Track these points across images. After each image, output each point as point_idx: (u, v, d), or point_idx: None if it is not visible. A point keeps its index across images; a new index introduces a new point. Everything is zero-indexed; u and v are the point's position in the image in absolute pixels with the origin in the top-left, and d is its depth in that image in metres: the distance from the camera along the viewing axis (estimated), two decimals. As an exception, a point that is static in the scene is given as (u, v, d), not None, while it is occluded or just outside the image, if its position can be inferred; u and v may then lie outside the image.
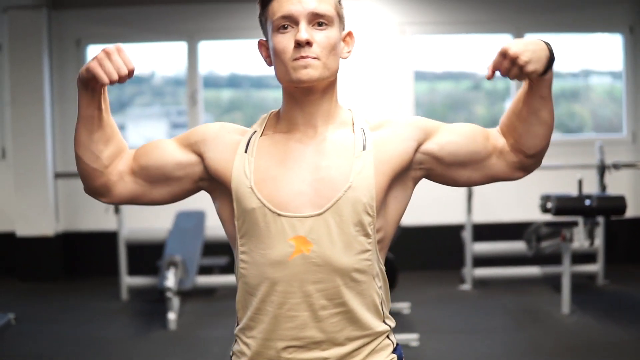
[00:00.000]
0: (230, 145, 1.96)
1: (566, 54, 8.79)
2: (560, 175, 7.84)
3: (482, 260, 7.71)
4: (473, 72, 9.17)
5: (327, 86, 1.95)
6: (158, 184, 1.99)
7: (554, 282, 7.32)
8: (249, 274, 1.91)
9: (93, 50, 8.63)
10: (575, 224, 6.41)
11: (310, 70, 1.88)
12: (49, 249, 8.37)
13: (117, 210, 7.30)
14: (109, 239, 7.90)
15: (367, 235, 1.89)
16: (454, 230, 8.09)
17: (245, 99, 9.46)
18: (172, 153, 1.99)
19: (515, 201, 8.24)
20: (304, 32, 1.87)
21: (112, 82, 1.84)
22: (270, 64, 1.97)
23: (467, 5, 8.42)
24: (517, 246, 7.44)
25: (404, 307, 6.61)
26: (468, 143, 1.97)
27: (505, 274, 7.52)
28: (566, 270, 6.41)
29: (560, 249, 6.53)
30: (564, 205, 6.13)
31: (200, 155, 1.97)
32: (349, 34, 2.02)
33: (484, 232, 7.97)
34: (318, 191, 1.88)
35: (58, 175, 8.03)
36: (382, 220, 1.94)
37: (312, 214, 1.87)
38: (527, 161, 1.98)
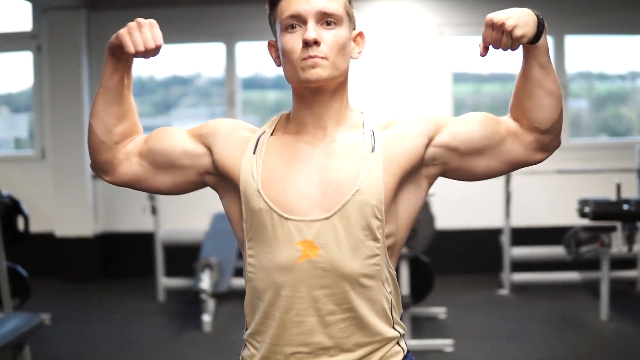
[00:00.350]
0: (240, 142, 1.94)
1: (613, 56, 8.65)
2: (603, 179, 7.72)
3: (520, 265, 7.61)
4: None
5: (336, 87, 1.92)
6: (162, 170, 1.97)
7: (593, 288, 7.20)
8: (257, 277, 1.89)
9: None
10: (613, 228, 6.30)
11: (319, 70, 1.85)
12: (88, 249, 8.43)
13: (154, 212, 7.31)
14: (146, 240, 7.92)
15: (375, 239, 1.86)
16: (492, 234, 7.99)
17: (290, 100, 9.40)
18: (181, 140, 1.97)
19: (555, 204, 8.12)
20: (312, 31, 1.84)
21: (137, 53, 1.86)
22: (279, 65, 1.95)
23: (506, 7, 8.30)
24: (557, 251, 7.32)
25: (440, 312, 6.54)
26: (481, 128, 1.93)
27: (544, 279, 7.41)
28: (604, 276, 6.30)
29: (599, 254, 6.43)
30: (601, 210, 6.03)
31: (209, 148, 1.95)
32: (360, 34, 1.98)
33: (523, 236, 7.87)
34: (326, 194, 1.85)
35: (97, 176, 8.05)
36: (393, 226, 1.90)
37: (319, 217, 1.83)
38: (544, 138, 1.92)
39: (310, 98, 1.91)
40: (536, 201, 8.20)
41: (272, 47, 1.98)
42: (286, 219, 1.84)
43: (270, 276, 1.86)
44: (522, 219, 8.00)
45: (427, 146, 1.92)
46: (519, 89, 1.92)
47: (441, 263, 7.66)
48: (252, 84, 8.99)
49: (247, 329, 1.98)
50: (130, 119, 1.98)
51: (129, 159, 1.97)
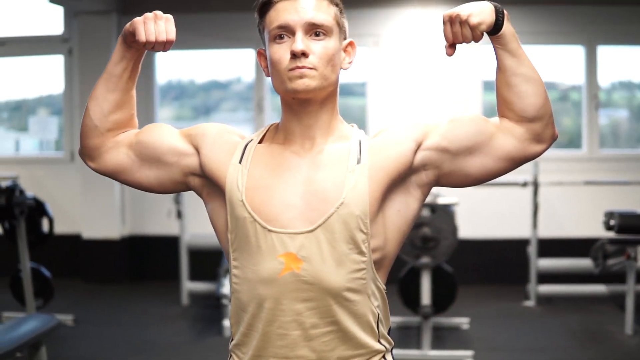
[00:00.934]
0: (228, 145, 1.92)
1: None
2: (632, 191, 7.63)
3: (547, 277, 7.52)
4: (560, 82, 8.97)
5: (325, 98, 1.90)
6: (148, 164, 1.96)
7: (619, 301, 7.09)
8: (241, 289, 1.87)
9: (161, 56, 8.73)
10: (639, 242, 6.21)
11: (307, 80, 1.83)
12: (114, 251, 8.47)
13: (179, 215, 7.33)
14: (171, 243, 7.94)
15: (361, 253, 1.82)
16: (518, 245, 7.91)
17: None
18: (170, 137, 1.96)
19: (583, 216, 8.03)
20: (300, 42, 1.83)
21: (148, 43, 1.87)
22: (268, 75, 1.93)
23: (538, 15, 8.23)
24: (584, 263, 7.22)
25: (463, 322, 6.48)
26: (469, 125, 1.89)
27: (570, 292, 7.31)
28: (630, 289, 6.21)
29: (625, 267, 6.33)
30: (627, 223, 5.93)
31: (197, 149, 1.93)
32: (350, 43, 1.96)
33: (551, 247, 7.79)
34: (310, 204, 1.82)
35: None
36: (380, 240, 1.86)
37: (303, 230, 1.81)
38: (534, 127, 1.86)
39: (299, 109, 1.89)
40: (564, 212, 8.11)
41: (262, 56, 1.97)
42: (270, 230, 1.82)
43: (254, 288, 1.84)
44: (550, 229, 7.92)
45: (416, 151, 1.88)
46: (499, 85, 1.89)
47: (466, 273, 7.61)
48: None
49: (232, 339, 1.96)
50: (127, 111, 1.98)
51: (117, 148, 1.97)
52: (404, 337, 6.23)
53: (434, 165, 1.89)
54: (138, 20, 1.86)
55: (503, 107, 1.89)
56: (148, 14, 1.87)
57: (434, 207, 5.94)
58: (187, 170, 1.95)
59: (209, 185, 1.94)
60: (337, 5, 1.92)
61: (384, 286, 1.91)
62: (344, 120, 1.98)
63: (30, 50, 8.87)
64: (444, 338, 6.16)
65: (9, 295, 6.55)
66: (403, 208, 1.90)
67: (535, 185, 7.26)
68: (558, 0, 8.15)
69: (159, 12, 1.88)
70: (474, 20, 1.80)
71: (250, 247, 1.84)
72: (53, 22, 8.73)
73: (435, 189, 6.07)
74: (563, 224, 8.12)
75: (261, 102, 8.47)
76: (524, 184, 7.26)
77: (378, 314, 1.88)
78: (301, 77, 1.83)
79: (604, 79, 8.46)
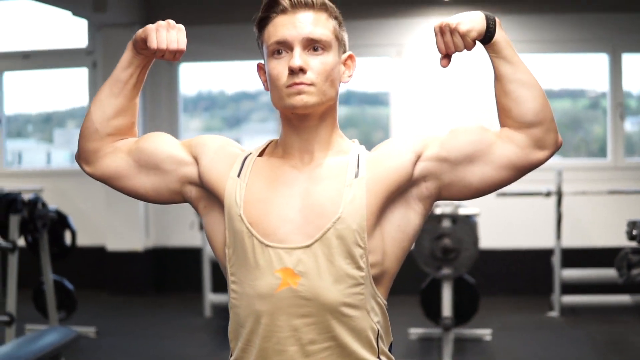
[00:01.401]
0: (228, 157, 1.91)
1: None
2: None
3: (571, 287, 7.45)
4: (590, 90, 8.91)
5: (324, 112, 1.89)
6: (145, 170, 1.95)
7: (646, 312, 7.04)
8: (240, 304, 1.86)
9: (185, 68, 8.78)
10: (664, 252, 6.13)
11: (305, 97, 1.82)
12: (138, 263, 8.51)
13: (201, 227, 7.34)
14: (195, 255, 7.96)
15: (359, 268, 1.81)
16: (543, 255, 7.85)
17: (360, 116, 9.46)
18: (170, 145, 1.96)
19: (607, 225, 7.94)
20: (298, 58, 1.81)
21: (158, 51, 1.88)
22: (267, 89, 1.92)
23: (562, 24, 8.19)
24: (609, 273, 7.15)
25: (485, 333, 6.44)
26: (468, 134, 1.87)
27: (595, 302, 7.24)
28: (654, 300, 6.15)
29: (649, 277, 6.26)
30: (649, 233, 5.86)
31: (196, 159, 1.93)
32: (350, 57, 1.95)
33: (575, 257, 7.72)
34: (307, 218, 1.81)
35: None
36: (379, 255, 1.84)
37: (300, 245, 1.79)
38: (534, 132, 1.83)
39: (298, 123, 1.88)
40: (588, 222, 8.04)
41: (261, 70, 1.96)
42: (267, 245, 1.81)
43: (252, 304, 1.83)
44: (573, 239, 7.85)
45: (415, 163, 1.86)
46: (497, 94, 1.87)
47: (489, 284, 7.56)
48: None
49: (231, 355, 1.95)
50: (129, 118, 1.99)
51: (115, 154, 1.96)
52: (426, 348, 6.20)
53: (434, 176, 1.87)
54: (151, 27, 1.87)
55: (502, 115, 1.87)
56: (161, 22, 1.88)
57: (454, 218, 5.92)
58: (185, 179, 1.94)
59: (207, 198, 1.93)
60: (336, 18, 1.91)
61: (385, 302, 1.89)
62: (345, 135, 1.98)
63: (55, 63, 8.96)
64: (466, 350, 6.12)
65: (32, 308, 6.60)
66: (403, 223, 1.88)
67: (559, 194, 7.21)
68: (582, 9, 8.10)
69: (171, 21, 1.89)
70: (462, 28, 1.80)
71: (247, 262, 1.83)
72: (77, 35, 8.81)
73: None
74: (587, 233, 8.05)
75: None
76: (548, 194, 7.21)
77: (378, 330, 1.86)
78: (299, 93, 1.82)
79: (635, 86, 8.39)
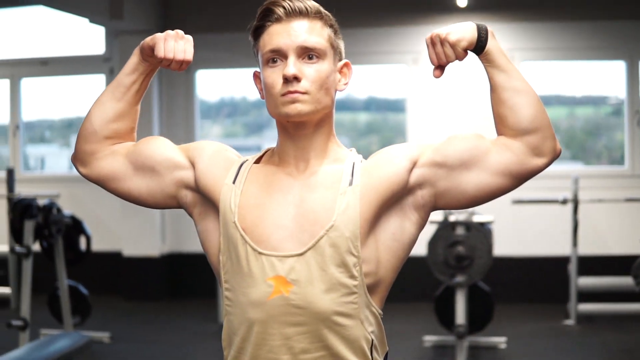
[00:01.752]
0: (224, 163, 1.91)
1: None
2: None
3: (588, 295, 7.40)
4: (613, 96, 8.87)
5: (320, 120, 1.88)
6: (141, 173, 1.95)
7: (663, 321, 6.98)
8: (233, 312, 1.85)
9: (206, 75, 8.81)
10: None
11: (299, 105, 1.81)
12: (154, 269, 8.53)
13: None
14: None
15: (352, 277, 1.79)
16: (559, 263, 7.80)
17: (382, 122, 9.46)
18: (167, 148, 1.96)
19: (625, 233, 7.90)
20: (292, 66, 1.81)
21: (165, 60, 1.88)
22: (263, 97, 1.92)
23: (578, 31, 8.15)
24: (625, 281, 7.10)
25: (500, 341, 6.40)
26: (464, 140, 1.86)
27: (611, 310, 7.19)
28: (671, 309, 6.09)
29: (665, 286, 6.21)
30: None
31: (192, 163, 1.92)
32: (346, 64, 1.94)
33: (592, 265, 7.67)
34: (301, 226, 1.80)
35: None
36: (373, 264, 1.82)
37: (292, 253, 1.79)
38: (531, 139, 1.82)
39: (293, 131, 1.88)
40: (604, 229, 7.99)
41: (257, 78, 1.95)
42: (260, 253, 1.80)
43: (245, 311, 1.82)
44: (590, 247, 7.80)
45: (411, 170, 1.84)
46: (493, 103, 1.87)
47: (505, 291, 7.53)
48: (343, 105, 9.06)
49: None
50: (129, 123, 1.99)
51: (111, 156, 1.97)
52: (440, 356, 6.18)
53: (430, 183, 1.85)
54: (159, 36, 1.88)
55: (499, 123, 1.87)
56: (170, 32, 1.89)
57: (468, 226, 5.90)
58: (180, 183, 1.93)
59: (202, 203, 1.92)
60: (331, 26, 1.90)
61: (380, 311, 1.87)
62: (343, 145, 1.96)
63: (72, 69, 9.02)
64: (480, 357, 6.09)
65: (47, 313, 6.63)
66: (398, 232, 1.86)
67: (575, 202, 7.17)
68: (598, 16, 8.06)
69: (180, 32, 1.90)
70: (452, 38, 1.81)
71: (241, 269, 1.82)
72: (94, 42, 8.85)
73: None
74: (604, 241, 8.00)
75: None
76: (564, 201, 7.17)
77: (372, 340, 1.85)
78: (293, 102, 1.81)
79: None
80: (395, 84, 8.77)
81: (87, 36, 8.91)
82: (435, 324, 6.38)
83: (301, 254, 1.79)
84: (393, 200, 1.85)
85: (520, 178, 1.84)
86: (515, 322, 7.23)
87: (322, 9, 1.89)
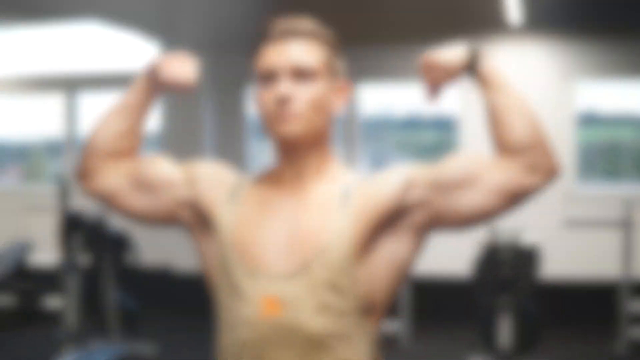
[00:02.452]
0: (223, 183, 1.93)
1: None
2: None
3: (639, 320, 7.24)
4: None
5: (315, 140, 1.86)
6: (142, 189, 1.98)
7: None
8: (226, 331, 1.86)
9: (251, 91, 8.86)
10: None
11: (291, 126, 1.81)
12: (203, 284, 8.54)
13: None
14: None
15: (344, 298, 1.78)
16: (610, 286, 7.65)
17: (450, 140, 9.43)
18: (167, 167, 1.99)
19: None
20: (283, 87, 1.81)
21: (169, 83, 1.94)
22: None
23: (615, 44, 8.04)
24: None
25: (546, 364, 6.32)
26: (461, 160, 1.85)
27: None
28: None
29: None
30: None
31: (192, 182, 1.95)
32: (344, 84, 1.92)
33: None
34: (293, 247, 1.80)
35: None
36: (367, 285, 1.80)
37: (284, 273, 1.78)
38: (526, 158, 1.79)
39: (287, 151, 1.87)
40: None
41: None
42: (252, 273, 1.80)
43: (236, 332, 1.82)
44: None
45: (406, 191, 1.82)
46: (489, 123, 1.86)
47: (552, 313, 7.41)
48: (408, 124, 9.07)
49: None
50: (133, 142, 2.02)
51: (114, 173, 2.00)
52: (484, 378, 6.11)
53: (425, 204, 1.83)
54: (166, 59, 1.92)
55: (497, 143, 1.85)
56: (175, 56, 1.92)
57: (514, 247, 5.84)
58: (180, 199, 1.95)
59: (200, 222, 1.94)
60: (330, 44, 1.89)
61: (376, 333, 1.85)
62: (341, 164, 1.95)
63: (128, 84, 9.12)
64: (525, 380, 6.01)
65: (98, 326, 6.70)
66: (393, 254, 1.83)
67: (628, 223, 7.05)
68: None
69: (185, 55, 1.93)
70: (442, 59, 1.85)
71: (233, 289, 1.82)
72: (148, 56, 8.93)
73: (518, 229, 5.96)
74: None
75: (351, 136, 8.49)
76: (616, 223, 7.05)
77: None
78: (284, 122, 1.81)
79: None
80: (451, 102, 8.72)
81: (140, 51, 9.03)
82: (480, 345, 6.31)
83: (293, 275, 1.78)
84: (388, 221, 1.83)
85: (515, 198, 1.81)
86: (562, 345, 7.10)
87: (320, 28, 1.88)
